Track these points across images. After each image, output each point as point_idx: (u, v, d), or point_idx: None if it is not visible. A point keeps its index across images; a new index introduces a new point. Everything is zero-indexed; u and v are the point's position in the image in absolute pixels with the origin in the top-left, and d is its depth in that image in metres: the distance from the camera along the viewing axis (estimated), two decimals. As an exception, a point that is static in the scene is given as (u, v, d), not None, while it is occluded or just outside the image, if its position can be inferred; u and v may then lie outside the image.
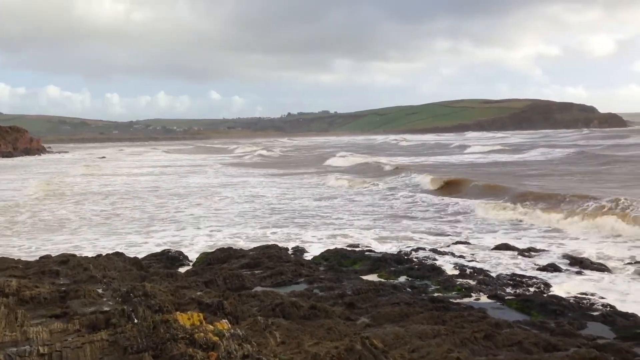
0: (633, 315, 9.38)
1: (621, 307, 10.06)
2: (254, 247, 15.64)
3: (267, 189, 33.32)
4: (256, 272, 12.90)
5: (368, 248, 15.91)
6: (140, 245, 17.04)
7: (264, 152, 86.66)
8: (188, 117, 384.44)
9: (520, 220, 20.43)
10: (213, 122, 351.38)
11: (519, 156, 59.11)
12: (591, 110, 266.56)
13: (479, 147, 75.94)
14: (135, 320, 5.69)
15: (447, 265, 13.65)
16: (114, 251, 14.14)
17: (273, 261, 13.68)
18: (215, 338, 4.74)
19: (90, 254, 13.74)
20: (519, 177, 35.01)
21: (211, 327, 4.95)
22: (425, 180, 32.63)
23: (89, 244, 17.26)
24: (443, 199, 25.90)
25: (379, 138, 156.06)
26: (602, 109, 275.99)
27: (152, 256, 14.76)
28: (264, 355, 4.72)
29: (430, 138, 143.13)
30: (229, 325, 5.16)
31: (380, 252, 15.03)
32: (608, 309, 9.88)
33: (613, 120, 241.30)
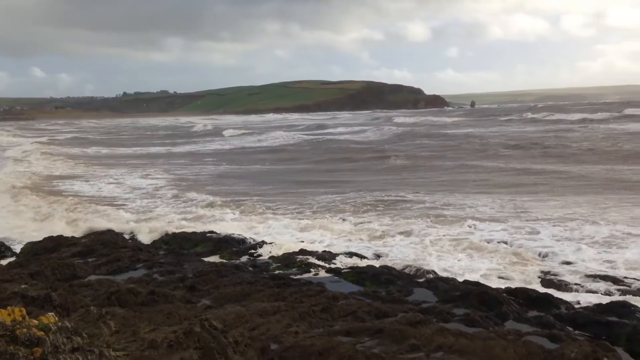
0: (452, 280, 10.34)
1: (442, 273, 11.06)
2: (87, 234, 14.78)
3: None
4: (89, 260, 12.20)
5: (210, 230, 15.76)
6: None
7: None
8: (8, 96, 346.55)
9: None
10: (39, 102, 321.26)
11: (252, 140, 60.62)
12: (418, 92, 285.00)
13: (231, 131, 75.14)
14: (-54, 322, 5.11)
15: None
16: None
17: (108, 248, 13.03)
18: (40, 333, 4.41)
19: None
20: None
21: (35, 321, 4.58)
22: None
23: None
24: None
25: (184, 120, 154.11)
26: (428, 90, 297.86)
27: (-32, 249, 13.35)
28: (95, 347, 4.49)
29: (231, 120, 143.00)
30: (57, 318, 4.83)
31: (223, 234, 14.97)
32: (431, 275, 10.80)
33: (437, 101, 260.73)
